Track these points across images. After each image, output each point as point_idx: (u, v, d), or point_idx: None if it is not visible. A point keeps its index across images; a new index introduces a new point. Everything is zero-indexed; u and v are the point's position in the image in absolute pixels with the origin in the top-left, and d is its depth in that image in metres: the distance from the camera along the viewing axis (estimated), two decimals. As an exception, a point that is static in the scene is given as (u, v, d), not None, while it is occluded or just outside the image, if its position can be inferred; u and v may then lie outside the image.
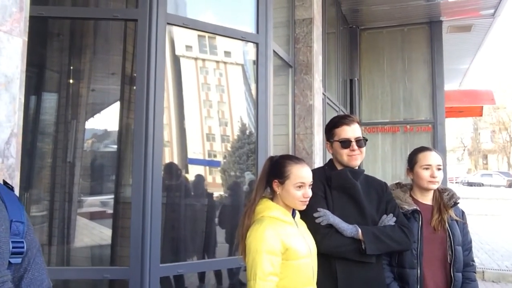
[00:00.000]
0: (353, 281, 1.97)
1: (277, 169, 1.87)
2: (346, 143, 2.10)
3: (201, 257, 3.46)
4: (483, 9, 6.65)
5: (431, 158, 2.26)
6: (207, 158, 3.65)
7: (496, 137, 45.01)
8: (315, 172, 2.13)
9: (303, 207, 1.87)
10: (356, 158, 2.11)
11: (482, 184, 32.73)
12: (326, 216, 1.97)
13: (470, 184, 33.24)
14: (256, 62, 3.37)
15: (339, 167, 2.15)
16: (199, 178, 3.64)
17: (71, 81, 3.77)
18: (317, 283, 1.92)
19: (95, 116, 3.84)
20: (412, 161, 2.33)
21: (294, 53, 4.28)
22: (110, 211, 3.46)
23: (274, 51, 3.61)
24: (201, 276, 3.59)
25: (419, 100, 7.33)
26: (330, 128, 2.18)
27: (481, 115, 11.36)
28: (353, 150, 2.09)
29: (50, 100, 3.69)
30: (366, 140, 2.17)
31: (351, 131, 2.12)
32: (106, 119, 3.76)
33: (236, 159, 3.70)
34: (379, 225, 2.06)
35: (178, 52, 3.59)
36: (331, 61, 6.07)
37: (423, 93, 7.30)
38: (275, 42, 3.73)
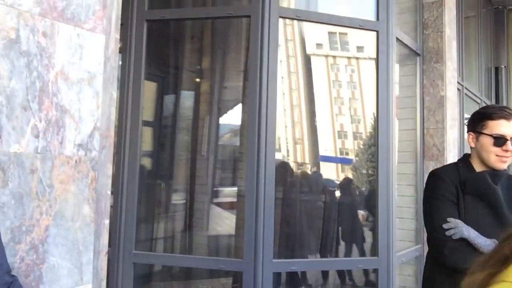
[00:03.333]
0: None
1: None
2: (500, 141, 1.76)
3: (317, 256, 3.38)
4: None
5: None
6: (339, 155, 3.61)
7: None
8: (446, 170, 1.88)
9: None
10: (506, 161, 1.79)
11: None
12: (459, 228, 1.71)
13: None
14: (376, 52, 3.15)
15: (477, 166, 1.84)
16: (324, 177, 3.60)
17: (204, 79, 4.04)
18: None
19: (228, 112, 4.06)
20: None
21: (422, 40, 3.91)
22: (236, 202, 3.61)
23: (398, 38, 3.34)
24: (322, 275, 3.53)
25: None
26: (481, 118, 1.85)
27: None
28: (506, 151, 1.76)
29: (187, 98, 3.99)
30: None
31: (509, 127, 1.78)
32: (237, 115, 3.93)
33: (368, 156, 3.57)
34: None
35: (308, 49, 3.59)
36: (471, 48, 5.44)
37: None
38: (400, 29, 3.45)
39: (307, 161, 3.61)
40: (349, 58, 3.78)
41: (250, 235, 2.63)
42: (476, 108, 5.61)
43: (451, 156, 3.89)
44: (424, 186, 1.94)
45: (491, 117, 1.80)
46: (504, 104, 6.58)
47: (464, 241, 1.69)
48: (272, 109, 2.70)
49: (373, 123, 3.65)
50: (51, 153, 1.02)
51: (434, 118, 3.83)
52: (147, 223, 3.38)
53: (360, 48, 3.70)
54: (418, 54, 3.85)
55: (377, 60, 3.12)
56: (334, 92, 3.75)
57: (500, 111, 1.80)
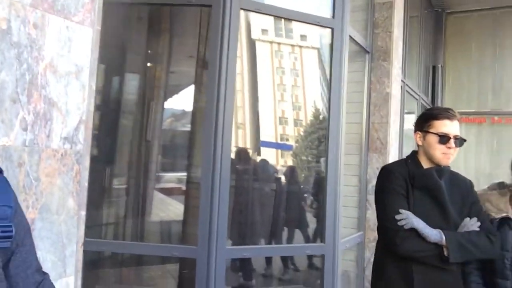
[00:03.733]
0: (430, 285, 1.89)
1: None
2: (444, 139, 1.93)
3: (268, 242, 3.49)
4: None
5: None
6: (279, 141, 3.66)
7: None
8: (397, 166, 2.03)
9: None
10: (450, 157, 1.95)
11: None
12: (409, 219, 1.86)
13: None
14: (330, 48, 3.27)
15: (424, 163, 2.00)
16: (269, 163, 3.67)
17: (152, 63, 3.96)
18: (391, 282, 1.87)
19: (173, 97, 4.01)
20: None
21: (372, 38, 4.10)
22: (183, 187, 3.61)
23: (350, 36, 3.48)
24: (266, 260, 3.63)
25: (510, 89, 6.74)
26: (428, 119, 2.01)
27: None
28: (450, 148, 1.93)
29: (132, 81, 3.90)
30: (465, 140, 1.99)
31: (453, 127, 1.95)
32: (183, 101, 3.90)
33: (308, 143, 3.67)
34: (460, 229, 1.92)
35: (253, 35, 3.60)
36: (413, 47, 5.75)
37: (515, 82, 6.71)
38: (352, 27, 3.59)
39: (248, 146, 3.64)
40: (292, 46, 3.81)
41: (204, 222, 2.66)
42: (414, 104, 5.97)
43: (393, 149, 4.14)
44: (377, 180, 2.09)
45: (437, 118, 1.97)
46: (439, 100, 7.05)
47: (413, 231, 1.85)
48: (230, 100, 2.73)
49: (314, 111, 3.79)
50: (38, 146, 1.01)
51: (379, 113, 4.05)
52: (94, 210, 3.32)
53: (303, 37, 3.77)
54: (367, 52, 4.04)
55: (331, 56, 3.24)
56: (277, 79, 3.78)
57: (444, 112, 1.98)
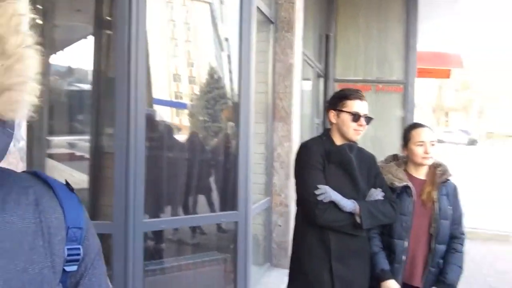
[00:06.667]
0: (344, 251, 2.10)
1: None
2: (356, 117, 2.13)
3: (184, 213, 3.51)
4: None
5: (425, 134, 2.33)
6: (173, 99, 3.52)
7: (459, 95, 46.46)
8: (313, 143, 2.17)
9: None
10: (360, 133, 2.16)
11: (443, 141, 34.00)
12: (328, 193, 2.03)
13: (433, 141, 34.36)
14: (239, 19, 3.29)
15: (337, 139, 2.19)
16: (174, 130, 3.56)
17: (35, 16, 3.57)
18: (312, 252, 2.04)
19: (57, 53, 3.64)
20: (406, 138, 2.39)
21: (276, 9, 4.20)
22: (80, 153, 3.39)
23: (257, 7, 3.53)
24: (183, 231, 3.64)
25: (392, 60, 7.41)
26: (341, 98, 2.19)
27: (449, 77, 11.63)
28: (361, 125, 2.13)
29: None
30: (372, 119, 2.21)
31: (363, 106, 2.16)
32: (72, 57, 3.58)
33: (204, 103, 3.59)
34: (367, 198, 2.15)
35: None
36: (309, 16, 5.99)
37: (396, 53, 7.37)
38: (258, -3, 3.63)
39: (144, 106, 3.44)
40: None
41: (120, 196, 2.57)
42: (310, 72, 6.29)
43: (296, 118, 4.36)
44: (296, 156, 2.23)
45: (349, 98, 2.16)
46: (330, 68, 7.49)
47: (331, 203, 2.04)
48: (142, 58, 2.59)
49: (209, 69, 3.69)
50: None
51: (283, 83, 4.21)
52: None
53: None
54: (272, 22, 4.13)
55: (240, 27, 3.26)
56: (169, 33, 3.56)
57: (356, 93, 2.19)
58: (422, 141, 2.31)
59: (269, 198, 4.18)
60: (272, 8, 4.17)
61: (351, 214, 2.05)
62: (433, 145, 2.32)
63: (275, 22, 4.18)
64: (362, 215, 2.03)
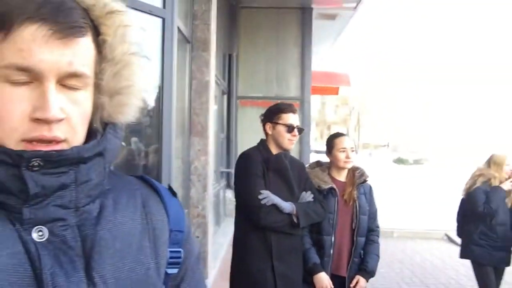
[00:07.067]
0: (283, 250, 2.35)
1: None
2: (290, 128, 2.40)
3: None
4: (346, 2, 7.49)
5: (346, 142, 2.69)
6: None
7: (339, 111, 50.74)
8: (253, 152, 2.41)
9: None
10: (293, 143, 2.45)
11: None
12: (269, 197, 2.27)
13: (317, 152, 36.87)
14: (162, 38, 3.41)
15: (273, 148, 2.44)
16: None
17: None
18: (255, 253, 2.25)
19: None
20: (329, 145, 2.74)
21: (192, 29, 4.38)
22: None
23: (178, 27, 3.68)
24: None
25: (290, 79, 8.02)
26: (276, 112, 2.45)
27: (337, 94, 12.78)
28: (294, 136, 2.42)
29: None
30: (303, 130, 2.52)
31: (295, 119, 2.45)
32: None
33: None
34: (300, 201, 2.43)
35: None
36: (217, 36, 6.25)
37: (293, 73, 8.00)
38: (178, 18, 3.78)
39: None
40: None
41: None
42: (217, 90, 6.54)
43: (211, 132, 4.56)
44: (236, 165, 2.44)
45: (284, 111, 2.45)
46: (233, 86, 7.84)
47: (273, 206, 2.28)
48: None
49: None
50: None
51: (199, 99, 4.39)
52: None
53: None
54: (188, 42, 4.30)
55: (162, 45, 3.39)
56: None
57: (289, 107, 2.48)
58: (344, 148, 2.67)
59: (187, 211, 4.29)
60: (189, 29, 4.34)
61: (289, 215, 2.31)
62: (353, 151, 2.70)
63: (191, 42, 4.36)
64: (299, 215, 2.30)
